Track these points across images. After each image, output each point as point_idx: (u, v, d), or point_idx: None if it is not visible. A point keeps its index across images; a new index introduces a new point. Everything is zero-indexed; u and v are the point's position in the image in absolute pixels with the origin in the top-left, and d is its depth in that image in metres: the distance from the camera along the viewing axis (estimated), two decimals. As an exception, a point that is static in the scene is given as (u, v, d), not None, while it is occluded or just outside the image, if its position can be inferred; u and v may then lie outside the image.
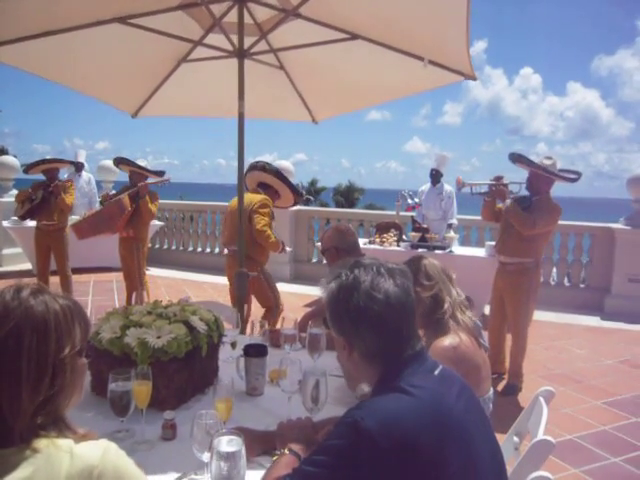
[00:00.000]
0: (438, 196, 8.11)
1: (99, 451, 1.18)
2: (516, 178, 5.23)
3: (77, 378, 1.30)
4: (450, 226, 8.13)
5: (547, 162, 4.96)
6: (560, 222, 8.77)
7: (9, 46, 3.63)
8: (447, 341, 2.27)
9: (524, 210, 4.95)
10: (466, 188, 5.31)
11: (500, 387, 5.02)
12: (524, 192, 5.21)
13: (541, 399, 2.22)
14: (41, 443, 1.16)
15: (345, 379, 1.98)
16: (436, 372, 1.50)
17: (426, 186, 8.32)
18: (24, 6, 3.35)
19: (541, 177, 4.97)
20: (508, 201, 5.01)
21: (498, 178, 5.21)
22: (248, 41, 4.10)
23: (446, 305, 2.39)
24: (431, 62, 3.93)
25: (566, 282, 8.53)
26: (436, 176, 8.16)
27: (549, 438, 1.85)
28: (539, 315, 7.49)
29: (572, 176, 5.10)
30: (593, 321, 7.59)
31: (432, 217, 8.15)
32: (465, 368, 1.94)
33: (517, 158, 5.03)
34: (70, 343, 1.24)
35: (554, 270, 8.59)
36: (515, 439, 2.31)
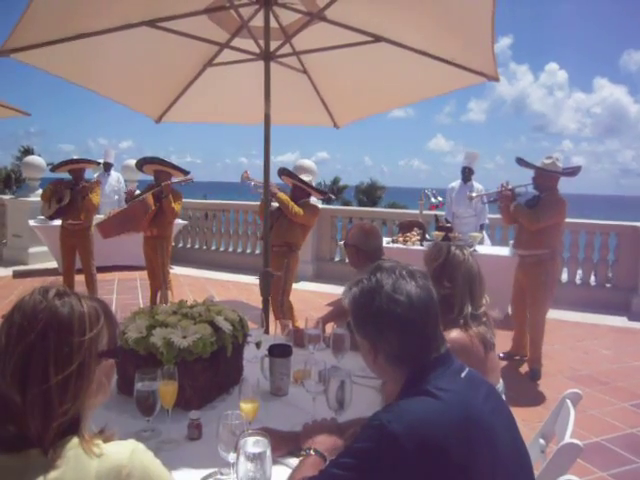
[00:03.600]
0: (468, 194, 8.12)
1: (128, 451, 1.20)
2: (524, 179, 5.72)
3: (104, 379, 1.32)
4: (482, 227, 8.11)
5: (547, 161, 5.42)
6: (586, 221, 8.75)
7: (39, 50, 3.66)
8: (452, 334, 2.34)
9: (532, 207, 5.38)
10: (476, 200, 5.72)
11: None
12: (532, 192, 5.69)
13: (568, 401, 2.20)
14: (69, 443, 1.17)
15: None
16: (463, 374, 1.49)
17: (457, 183, 8.33)
18: (53, 11, 3.38)
19: (544, 175, 5.40)
20: (514, 203, 5.47)
21: (504, 185, 5.68)
22: (275, 45, 4.12)
23: (456, 310, 2.47)
24: (454, 64, 3.92)
25: (592, 281, 8.41)
26: (468, 174, 8.19)
27: (577, 442, 1.83)
28: (564, 315, 7.42)
29: (569, 170, 5.57)
30: (620, 321, 7.47)
31: (462, 214, 8.15)
32: (467, 360, 1.96)
33: (518, 162, 5.63)
34: (95, 343, 1.26)
35: (579, 269, 8.47)
36: (541, 442, 2.28)
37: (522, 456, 1.49)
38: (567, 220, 8.66)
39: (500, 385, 2.55)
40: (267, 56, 4.06)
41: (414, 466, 1.27)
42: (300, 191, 5.93)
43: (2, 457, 1.15)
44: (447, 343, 1.57)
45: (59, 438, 1.17)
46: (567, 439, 1.91)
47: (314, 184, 6.96)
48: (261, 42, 4.05)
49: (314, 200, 6.56)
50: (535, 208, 5.34)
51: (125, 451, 1.20)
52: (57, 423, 1.17)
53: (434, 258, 2.62)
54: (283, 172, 6.30)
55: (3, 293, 7.95)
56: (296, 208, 5.63)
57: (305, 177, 6.06)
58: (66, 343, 1.20)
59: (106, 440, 1.22)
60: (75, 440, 1.18)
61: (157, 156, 6.55)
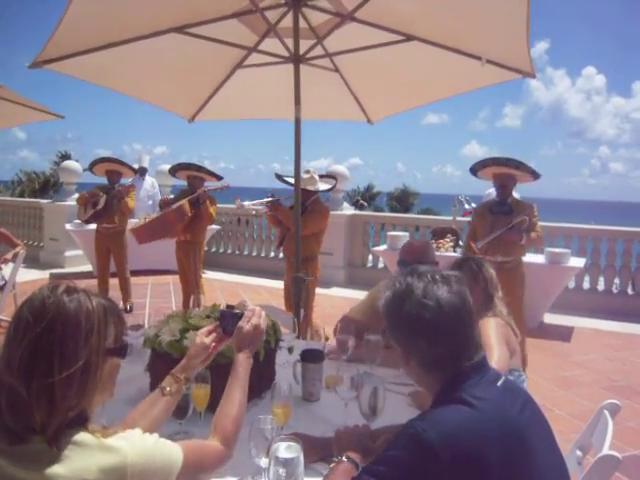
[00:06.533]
0: None
1: (129, 443, 1.23)
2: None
3: (108, 377, 1.35)
4: None
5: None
6: (623, 228, 8.57)
7: (72, 59, 3.74)
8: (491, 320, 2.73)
9: (507, 214, 5.31)
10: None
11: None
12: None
13: (606, 412, 2.14)
14: (74, 437, 1.21)
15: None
16: (499, 383, 1.47)
17: (493, 189, 8.24)
18: (84, 23, 3.46)
19: (513, 179, 5.37)
20: (524, 237, 5.28)
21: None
22: (303, 45, 4.12)
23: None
24: (489, 61, 3.88)
25: (629, 290, 8.23)
26: None
27: (615, 453, 1.78)
28: (601, 324, 7.28)
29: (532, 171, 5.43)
30: (659, 331, 7.26)
31: None
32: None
33: (505, 162, 5.34)
34: (102, 340, 1.29)
35: (617, 278, 8.29)
36: (578, 453, 2.23)
37: (560, 467, 1.46)
38: (605, 227, 8.61)
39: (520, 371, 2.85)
40: (297, 59, 4.07)
41: (449, 476, 1.25)
42: (305, 192, 5.59)
43: (8, 448, 1.20)
44: (483, 350, 1.55)
45: (64, 432, 1.21)
46: (605, 451, 1.86)
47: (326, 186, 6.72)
48: (290, 44, 4.06)
49: (337, 199, 6.23)
50: (512, 215, 5.28)
51: (125, 442, 1.23)
52: (61, 417, 1.20)
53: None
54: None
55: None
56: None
57: (305, 175, 5.61)
58: (72, 338, 1.23)
59: (108, 435, 1.25)
60: (79, 435, 1.22)
61: (192, 162, 6.62)
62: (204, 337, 1.79)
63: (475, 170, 5.58)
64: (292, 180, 5.43)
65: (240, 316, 1.79)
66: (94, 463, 1.18)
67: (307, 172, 5.67)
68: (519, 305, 5.30)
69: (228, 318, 1.82)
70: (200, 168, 6.51)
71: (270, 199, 5.80)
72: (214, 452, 1.49)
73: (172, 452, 1.32)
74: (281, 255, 10.53)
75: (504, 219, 5.28)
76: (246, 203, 6.23)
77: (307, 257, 5.44)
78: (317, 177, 5.78)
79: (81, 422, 1.25)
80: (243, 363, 1.71)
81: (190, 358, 1.76)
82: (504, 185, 5.38)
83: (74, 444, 1.20)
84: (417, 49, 4.17)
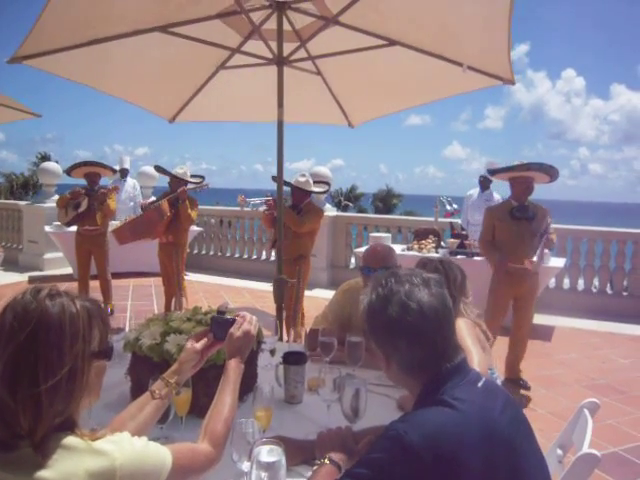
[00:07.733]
0: (486, 202, 8.07)
1: (117, 445, 1.22)
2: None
3: (94, 380, 1.33)
4: None
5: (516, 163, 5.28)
6: (603, 229, 8.69)
7: (52, 55, 3.70)
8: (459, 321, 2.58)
9: (531, 220, 5.13)
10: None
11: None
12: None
13: (585, 411, 2.17)
14: (61, 441, 1.19)
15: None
16: (480, 384, 1.47)
17: (475, 191, 8.31)
18: (66, 18, 3.41)
19: (533, 181, 5.15)
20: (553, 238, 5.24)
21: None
22: (287, 47, 4.12)
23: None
24: (470, 68, 3.90)
25: (608, 290, 8.33)
26: (485, 183, 8.18)
27: (594, 451, 1.80)
28: (581, 323, 7.36)
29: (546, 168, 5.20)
30: (638, 330, 7.35)
31: (477, 222, 8.13)
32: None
33: (539, 167, 5.11)
34: (87, 345, 1.26)
35: (596, 278, 8.39)
36: (559, 452, 2.25)
37: (541, 467, 1.47)
38: (585, 228, 8.72)
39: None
40: (280, 61, 4.07)
41: (430, 477, 1.25)
42: (299, 193, 5.90)
43: None
44: (462, 352, 1.55)
45: (51, 437, 1.19)
46: (585, 449, 1.88)
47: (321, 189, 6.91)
48: (274, 46, 4.05)
49: (319, 200, 6.45)
50: (537, 220, 5.12)
51: (116, 447, 1.22)
52: (48, 423, 1.18)
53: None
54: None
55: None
56: (299, 220, 5.64)
57: (301, 178, 5.90)
58: (56, 345, 1.20)
59: (96, 439, 1.23)
60: (67, 439, 1.20)
61: (160, 166, 6.69)
62: (195, 342, 1.78)
63: (495, 172, 5.54)
64: (291, 181, 5.76)
65: (232, 322, 1.78)
66: (82, 467, 1.16)
67: (303, 176, 5.95)
68: (528, 314, 5.33)
69: (220, 324, 1.81)
70: (165, 171, 6.57)
71: (269, 198, 5.95)
72: (203, 454, 1.47)
73: (161, 455, 1.31)
74: (264, 257, 10.55)
75: (527, 224, 5.11)
76: (250, 200, 6.34)
77: (301, 255, 5.76)
78: (312, 181, 6.03)
79: (69, 426, 1.23)
80: (235, 369, 1.72)
81: (181, 363, 1.76)
82: (529, 188, 5.15)
83: (62, 448, 1.18)
84: (399, 54, 4.19)
